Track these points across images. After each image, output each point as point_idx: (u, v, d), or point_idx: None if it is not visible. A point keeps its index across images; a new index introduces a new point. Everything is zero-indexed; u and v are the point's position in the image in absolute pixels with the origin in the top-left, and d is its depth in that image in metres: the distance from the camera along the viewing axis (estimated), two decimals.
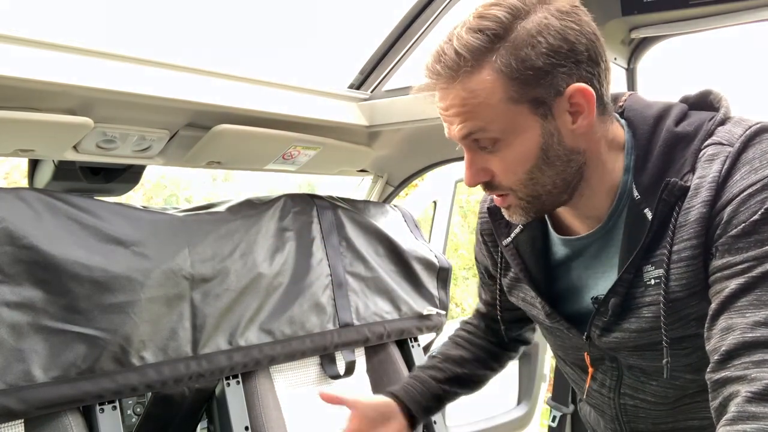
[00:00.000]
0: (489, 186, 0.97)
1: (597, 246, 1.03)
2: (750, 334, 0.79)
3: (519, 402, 2.70)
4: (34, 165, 1.63)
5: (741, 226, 0.85)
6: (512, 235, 1.12)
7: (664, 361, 0.96)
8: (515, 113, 0.91)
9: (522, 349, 1.42)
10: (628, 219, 0.97)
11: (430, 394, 1.30)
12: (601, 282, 1.04)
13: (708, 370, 0.84)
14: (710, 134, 0.93)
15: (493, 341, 1.37)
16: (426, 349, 2.10)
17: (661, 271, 0.93)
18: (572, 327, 1.08)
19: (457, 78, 0.90)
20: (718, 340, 0.83)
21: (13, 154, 1.42)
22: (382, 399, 1.28)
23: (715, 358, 0.83)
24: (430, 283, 2.08)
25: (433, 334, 2.15)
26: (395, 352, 1.96)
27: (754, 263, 0.83)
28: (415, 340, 2.03)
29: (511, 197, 0.97)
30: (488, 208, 1.15)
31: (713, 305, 0.87)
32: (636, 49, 1.85)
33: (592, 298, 1.05)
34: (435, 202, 2.79)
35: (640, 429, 1.14)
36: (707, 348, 0.86)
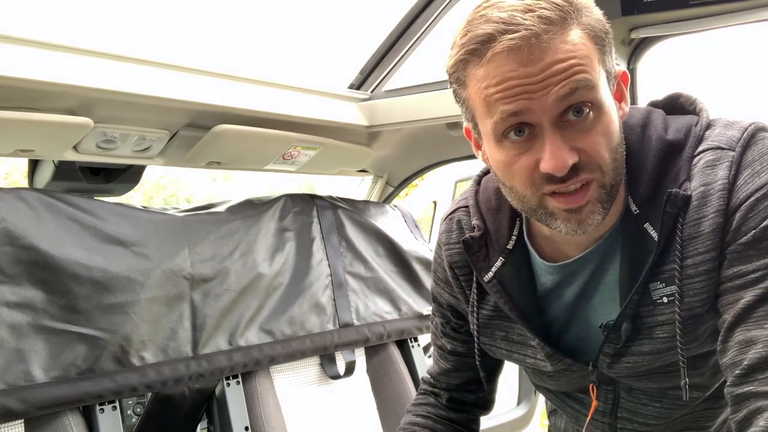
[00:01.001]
0: (574, 171, 0.82)
1: (591, 268, 0.95)
2: None
3: (519, 402, 2.69)
4: (34, 165, 1.63)
5: (751, 233, 0.81)
6: (493, 269, 0.99)
7: (682, 382, 0.90)
8: (602, 79, 0.83)
9: (478, 419, 1.21)
10: (626, 236, 0.90)
11: None
12: (603, 306, 0.96)
13: (728, 383, 0.81)
14: (700, 140, 0.89)
15: (456, 421, 1.17)
16: (426, 349, 2.10)
17: (673, 288, 0.87)
18: (575, 362, 0.98)
19: (571, 23, 0.79)
20: (737, 353, 0.80)
21: (13, 154, 1.42)
22: None
23: (736, 372, 0.80)
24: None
25: None
26: (395, 352, 1.96)
27: None
28: (415, 340, 2.03)
29: (593, 187, 0.84)
30: (463, 240, 1.01)
31: (727, 316, 0.82)
32: (636, 49, 1.85)
33: (600, 326, 0.96)
34: (435, 202, 2.79)
35: None
36: (723, 361, 0.83)
